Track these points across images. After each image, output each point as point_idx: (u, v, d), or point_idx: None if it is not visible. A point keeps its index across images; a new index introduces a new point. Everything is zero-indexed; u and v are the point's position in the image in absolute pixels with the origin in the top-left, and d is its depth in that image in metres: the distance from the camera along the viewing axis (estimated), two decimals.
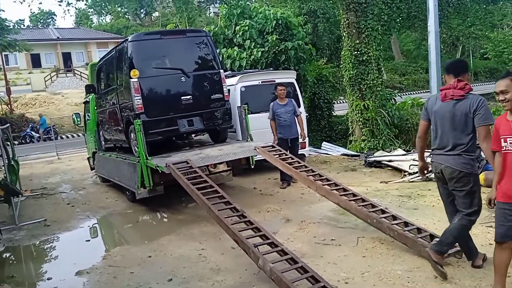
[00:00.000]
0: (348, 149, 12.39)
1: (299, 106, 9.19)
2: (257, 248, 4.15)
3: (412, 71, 38.45)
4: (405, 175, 8.00)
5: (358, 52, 12.10)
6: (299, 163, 6.30)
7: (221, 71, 7.46)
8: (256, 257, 4.05)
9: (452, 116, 3.72)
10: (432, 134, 3.96)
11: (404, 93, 26.42)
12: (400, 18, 13.03)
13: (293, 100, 8.14)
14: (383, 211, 5.01)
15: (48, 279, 4.74)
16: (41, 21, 60.35)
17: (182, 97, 7.00)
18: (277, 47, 10.85)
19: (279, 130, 7.84)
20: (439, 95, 3.88)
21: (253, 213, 5.82)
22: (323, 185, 5.66)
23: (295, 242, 5.06)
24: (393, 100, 13.72)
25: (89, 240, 6.24)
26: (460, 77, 3.77)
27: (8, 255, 5.74)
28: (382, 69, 14.12)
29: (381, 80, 12.57)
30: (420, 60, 40.15)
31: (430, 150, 4.05)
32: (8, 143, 9.13)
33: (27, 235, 6.47)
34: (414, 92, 30.83)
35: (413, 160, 8.40)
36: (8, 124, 10.78)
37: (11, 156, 8.42)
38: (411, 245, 4.42)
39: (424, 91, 28.56)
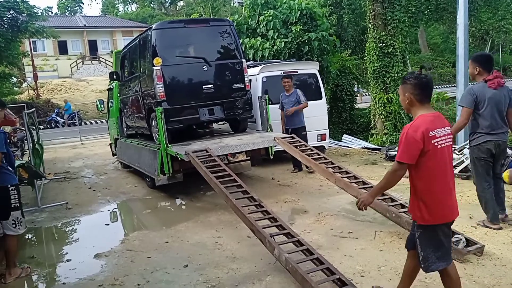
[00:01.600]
0: (369, 142, 12.24)
1: (320, 97, 9.14)
2: (273, 238, 4.15)
3: (439, 64, 37.60)
4: None
5: (384, 44, 11.89)
6: (319, 154, 6.24)
7: (243, 60, 7.43)
8: (272, 247, 4.05)
9: (503, 101, 4.50)
10: (483, 119, 4.51)
11: None
12: (428, 10, 12.71)
13: (298, 91, 8.09)
14: (402, 206, 4.92)
15: (68, 260, 4.85)
16: (69, 8, 61.36)
17: (203, 86, 7.01)
18: (300, 38, 10.74)
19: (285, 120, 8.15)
20: (487, 84, 4.49)
21: (270, 204, 5.82)
22: (342, 177, 5.59)
23: (312, 233, 5.03)
24: None
25: (108, 224, 6.36)
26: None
27: (29, 236, 5.90)
28: (408, 62, 13.82)
29: (406, 73, 12.32)
30: (447, 53, 39.18)
31: (476, 133, 4.61)
32: (34, 127, 9.33)
33: (48, 217, 6.64)
34: (440, 86, 30.14)
35: None
36: (34, 109, 11.01)
37: (35, 140, 8.61)
38: None
39: (450, 85, 27.87)
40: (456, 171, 7.30)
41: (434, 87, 28.54)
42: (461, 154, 7.79)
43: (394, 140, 11.36)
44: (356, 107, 14.49)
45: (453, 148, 3.14)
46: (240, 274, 4.09)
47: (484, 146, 4.55)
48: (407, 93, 2.92)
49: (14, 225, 4.29)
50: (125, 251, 4.93)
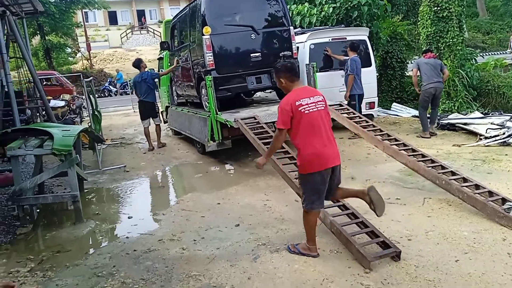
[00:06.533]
0: None
1: (370, 64, 8.97)
2: None
3: (498, 29, 35.07)
4: (480, 139, 7.61)
5: (438, 8, 11.29)
6: (367, 122, 6.23)
7: (291, 28, 7.41)
8: None
9: (436, 65, 8.19)
10: (425, 76, 8.20)
11: (487, 53, 24.31)
12: None
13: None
14: (453, 173, 4.89)
15: (129, 217, 5.24)
16: None
17: (251, 54, 7.09)
18: (349, 3, 10.43)
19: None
20: (424, 57, 8.44)
21: None
22: (391, 145, 5.59)
23: (358, 199, 5.09)
24: (473, 60, 12.75)
25: (164, 186, 6.72)
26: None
27: (93, 195, 6.38)
28: (464, 26, 13.07)
29: (462, 38, 11.69)
30: (507, 17, 36.49)
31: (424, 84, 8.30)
32: (92, 95, 9.82)
33: (109, 178, 7.12)
34: (498, 52, 28.31)
35: (491, 123, 7.96)
36: (91, 77, 11.56)
37: (94, 107, 9.11)
38: (481, 208, 4.31)
39: (510, 51, 26.15)
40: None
41: (492, 53, 26.65)
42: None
43: (446, 109, 10.96)
44: (407, 74, 14.00)
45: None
46: (288, 234, 4.29)
47: (428, 90, 8.16)
48: (281, 78, 3.70)
49: (158, 119, 9.28)
50: (180, 211, 5.26)
